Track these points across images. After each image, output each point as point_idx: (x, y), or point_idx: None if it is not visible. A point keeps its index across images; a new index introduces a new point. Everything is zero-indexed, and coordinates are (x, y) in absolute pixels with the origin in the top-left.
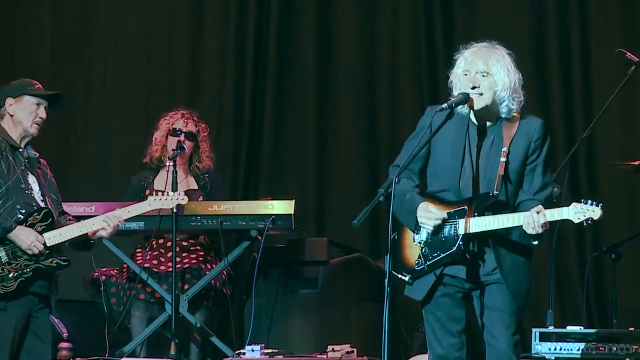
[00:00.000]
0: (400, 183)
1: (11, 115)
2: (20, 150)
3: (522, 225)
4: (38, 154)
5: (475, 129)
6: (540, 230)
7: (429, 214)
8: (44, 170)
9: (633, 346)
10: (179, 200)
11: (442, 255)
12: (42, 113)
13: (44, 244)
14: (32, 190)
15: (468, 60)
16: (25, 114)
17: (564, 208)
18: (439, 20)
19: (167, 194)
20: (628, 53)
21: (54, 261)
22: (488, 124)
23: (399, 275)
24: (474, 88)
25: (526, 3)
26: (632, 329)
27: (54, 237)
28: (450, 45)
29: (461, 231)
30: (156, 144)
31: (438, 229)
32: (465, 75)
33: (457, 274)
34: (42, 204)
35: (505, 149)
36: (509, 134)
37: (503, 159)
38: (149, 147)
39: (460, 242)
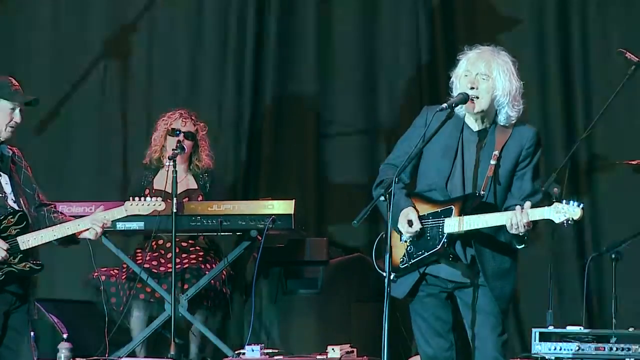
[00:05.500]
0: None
1: None
2: None
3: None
4: (11, 152)
5: (469, 131)
6: (522, 231)
7: (406, 227)
8: (18, 164)
9: (633, 346)
10: (155, 206)
11: (427, 253)
12: (18, 117)
13: (16, 248)
14: (4, 192)
15: (470, 61)
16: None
17: (545, 207)
18: (439, 21)
19: (145, 200)
20: (628, 53)
21: (27, 265)
22: (482, 127)
23: (384, 273)
24: (472, 89)
25: (526, 4)
26: (632, 329)
27: (27, 241)
28: (450, 45)
29: (447, 230)
30: (155, 145)
31: (419, 233)
32: (466, 75)
33: (439, 273)
34: (15, 206)
35: (496, 152)
36: (501, 139)
37: (493, 162)
38: (148, 149)
39: (445, 241)
